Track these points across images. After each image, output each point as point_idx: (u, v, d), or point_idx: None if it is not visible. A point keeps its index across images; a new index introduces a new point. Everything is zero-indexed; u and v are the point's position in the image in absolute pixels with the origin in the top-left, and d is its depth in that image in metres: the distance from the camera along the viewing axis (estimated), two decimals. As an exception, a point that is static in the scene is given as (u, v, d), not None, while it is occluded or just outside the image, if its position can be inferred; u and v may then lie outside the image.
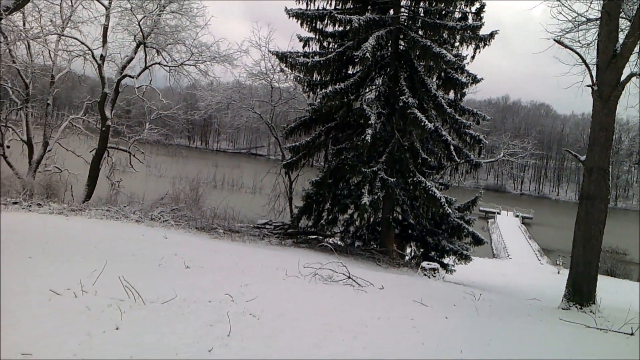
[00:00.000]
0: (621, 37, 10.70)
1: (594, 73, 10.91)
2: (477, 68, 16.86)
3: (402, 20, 17.81)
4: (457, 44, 17.96)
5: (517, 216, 66.68)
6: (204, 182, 26.13)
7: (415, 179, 16.54)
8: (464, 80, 17.52)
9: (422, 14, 17.99)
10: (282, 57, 17.94)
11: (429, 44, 16.25)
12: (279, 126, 24.62)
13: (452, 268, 18.83)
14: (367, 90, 18.69)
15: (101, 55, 21.47)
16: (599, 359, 6.72)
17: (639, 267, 39.45)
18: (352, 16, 16.64)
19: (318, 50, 18.69)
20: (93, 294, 6.35)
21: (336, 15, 17.10)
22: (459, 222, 17.85)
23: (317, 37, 18.55)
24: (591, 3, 11.23)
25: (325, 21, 17.72)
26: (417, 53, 17.23)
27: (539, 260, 42.59)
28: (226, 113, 31.68)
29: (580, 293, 10.79)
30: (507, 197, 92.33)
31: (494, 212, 65.58)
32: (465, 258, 18.46)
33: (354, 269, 10.97)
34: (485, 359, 5.92)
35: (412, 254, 19.82)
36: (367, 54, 15.41)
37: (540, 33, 12.24)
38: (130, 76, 22.59)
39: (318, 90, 18.01)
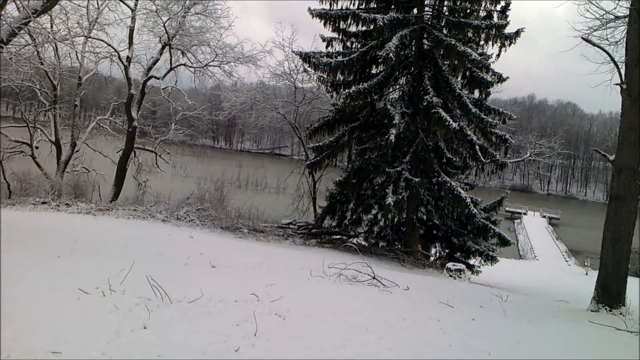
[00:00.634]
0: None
1: (622, 71, 10.68)
2: (502, 66, 16.74)
3: (426, 19, 17.69)
4: (482, 42, 17.76)
5: (543, 217, 65.69)
6: (228, 182, 26.28)
7: (440, 179, 16.41)
8: (489, 79, 17.32)
9: (446, 13, 17.85)
10: (306, 57, 17.96)
11: (453, 42, 16.11)
12: (303, 126, 24.67)
13: (478, 269, 18.63)
14: (391, 89, 18.61)
15: (127, 57, 21.76)
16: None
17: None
18: (376, 15, 16.60)
19: (341, 50, 18.67)
20: (121, 293, 6.43)
21: (360, 14, 17.06)
22: (485, 223, 17.65)
23: (340, 37, 18.52)
24: (619, 0, 11.01)
25: (349, 21, 17.69)
26: (442, 52, 17.10)
27: (567, 261, 41.90)
28: (250, 113, 31.89)
29: (609, 295, 10.58)
30: (533, 198, 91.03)
31: (520, 213, 64.69)
32: (492, 259, 18.24)
33: (379, 269, 10.92)
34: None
35: (437, 254, 19.67)
36: (391, 54, 15.34)
37: (566, 31, 12.06)
38: (156, 77, 22.86)
39: (341, 90, 17.99)
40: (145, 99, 23.90)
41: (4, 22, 10.13)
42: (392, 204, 15.63)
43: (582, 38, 11.06)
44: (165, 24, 20.77)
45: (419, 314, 7.51)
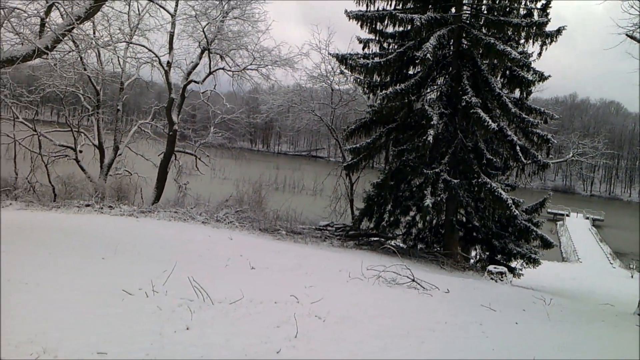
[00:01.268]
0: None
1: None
2: (542, 65, 16.36)
3: (465, 18, 17.45)
4: (522, 41, 17.42)
5: (587, 218, 63.95)
6: (266, 184, 26.47)
7: (479, 180, 16.15)
8: (530, 77, 16.94)
9: (485, 11, 17.56)
10: (342, 59, 17.94)
11: (492, 41, 15.84)
12: (339, 128, 24.63)
13: (520, 272, 18.24)
14: (429, 90, 18.40)
15: (168, 62, 22.15)
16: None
17: None
18: (413, 15, 16.47)
19: (378, 51, 18.58)
20: (164, 294, 6.55)
21: (397, 15, 16.95)
22: (527, 225, 17.27)
23: (377, 38, 18.45)
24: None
25: (386, 22, 17.60)
26: (480, 51, 16.83)
27: (611, 263, 40.66)
28: (287, 116, 32.05)
29: (658, 299, 10.23)
30: (576, 199, 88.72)
31: (562, 214, 63.13)
32: (534, 262, 17.83)
33: (418, 272, 10.83)
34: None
35: (477, 257, 19.34)
36: (428, 54, 15.19)
37: (608, 28, 11.70)
38: (195, 81, 23.21)
39: (378, 91, 17.90)
40: (185, 102, 24.27)
41: (48, 29, 10.43)
42: (430, 205, 15.46)
43: (627, 35, 10.78)
44: (204, 29, 21.08)
45: (460, 317, 7.40)
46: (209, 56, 22.33)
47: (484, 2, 17.63)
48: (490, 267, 14.21)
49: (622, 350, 6.89)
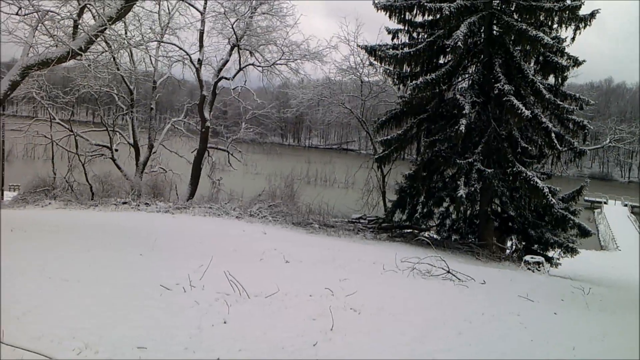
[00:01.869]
0: None
1: None
2: (575, 50, 15.90)
3: (495, 4, 17.11)
4: (555, 26, 16.99)
5: (625, 205, 62.21)
6: (297, 178, 26.62)
7: (514, 169, 15.87)
8: (564, 63, 16.53)
9: (516, -3, 17.20)
10: (371, 50, 17.84)
11: (524, 27, 15.52)
12: (370, 120, 24.56)
13: (558, 261, 17.89)
14: (460, 79, 18.15)
15: (198, 60, 22.40)
16: None
17: None
18: (442, 4, 16.25)
19: (407, 41, 18.37)
20: (201, 288, 6.65)
21: (425, 4, 16.76)
22: (564, 213, 16.92)
23: (406, 28, 18.25)
24: None
25: (414, 11, 17.44)
26: (512, 38, 16.47)
27: (652, 252, 39.58)
28: (317, 109, 32.09)
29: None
30: (614, 186, 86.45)
31: (600, 202, 61.58)
32: (572, 251, 17.48)
33: (453, 263, 10.75)
34: (600, 359, 5.58)
35: (513, 247, 19.05)
36: (459, 42, 14.97)
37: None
38: (226, 78, 23.43)
39: (408, 82, 17.72)
40: (217, 99, 24.52)
41: (81, 31, 10.64)
42: (464, 196, 15.28)
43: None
44: (234, 25, 21.23)
45: (497, 308, 7.32)
46: (239, 52, 22.49)
47: (515, -13, 17.25)
48: (527, 257, 14.00)
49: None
